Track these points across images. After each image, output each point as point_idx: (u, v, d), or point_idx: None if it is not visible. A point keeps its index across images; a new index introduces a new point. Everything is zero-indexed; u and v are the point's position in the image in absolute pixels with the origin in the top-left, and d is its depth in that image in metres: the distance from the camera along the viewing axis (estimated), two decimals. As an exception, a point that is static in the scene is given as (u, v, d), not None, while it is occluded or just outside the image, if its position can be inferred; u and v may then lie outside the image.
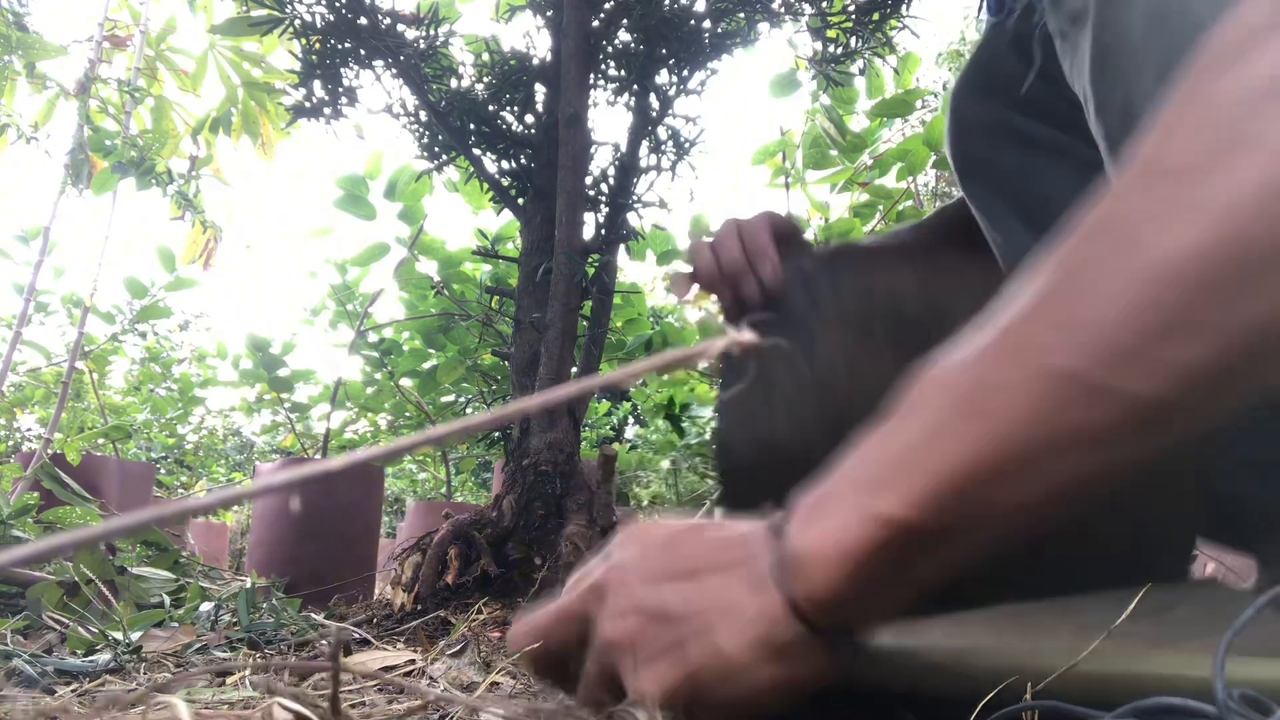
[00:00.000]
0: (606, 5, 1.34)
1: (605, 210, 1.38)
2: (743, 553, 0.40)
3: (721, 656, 0.38)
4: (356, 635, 0.97)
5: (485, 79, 1.43)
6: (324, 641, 0.96)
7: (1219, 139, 0.34)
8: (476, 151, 1.39)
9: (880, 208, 2.45)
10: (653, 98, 1.40)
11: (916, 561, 0.36)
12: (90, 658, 0.87)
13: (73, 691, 0.73)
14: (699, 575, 0.40)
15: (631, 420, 4.80)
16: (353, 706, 0.66)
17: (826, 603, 0.37)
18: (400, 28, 1.34)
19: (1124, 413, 0.34)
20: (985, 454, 0.35)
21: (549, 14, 1.39)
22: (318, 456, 2.27)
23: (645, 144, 1.41)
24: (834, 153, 2.37)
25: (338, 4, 1.29)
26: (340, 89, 1.36)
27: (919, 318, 0.54)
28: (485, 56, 1.43)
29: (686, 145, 1.41)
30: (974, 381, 0.36)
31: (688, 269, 0.70)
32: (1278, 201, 0.32)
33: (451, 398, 2.71)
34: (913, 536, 0.36)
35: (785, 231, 0.72)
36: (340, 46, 1.33)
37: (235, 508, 3.67)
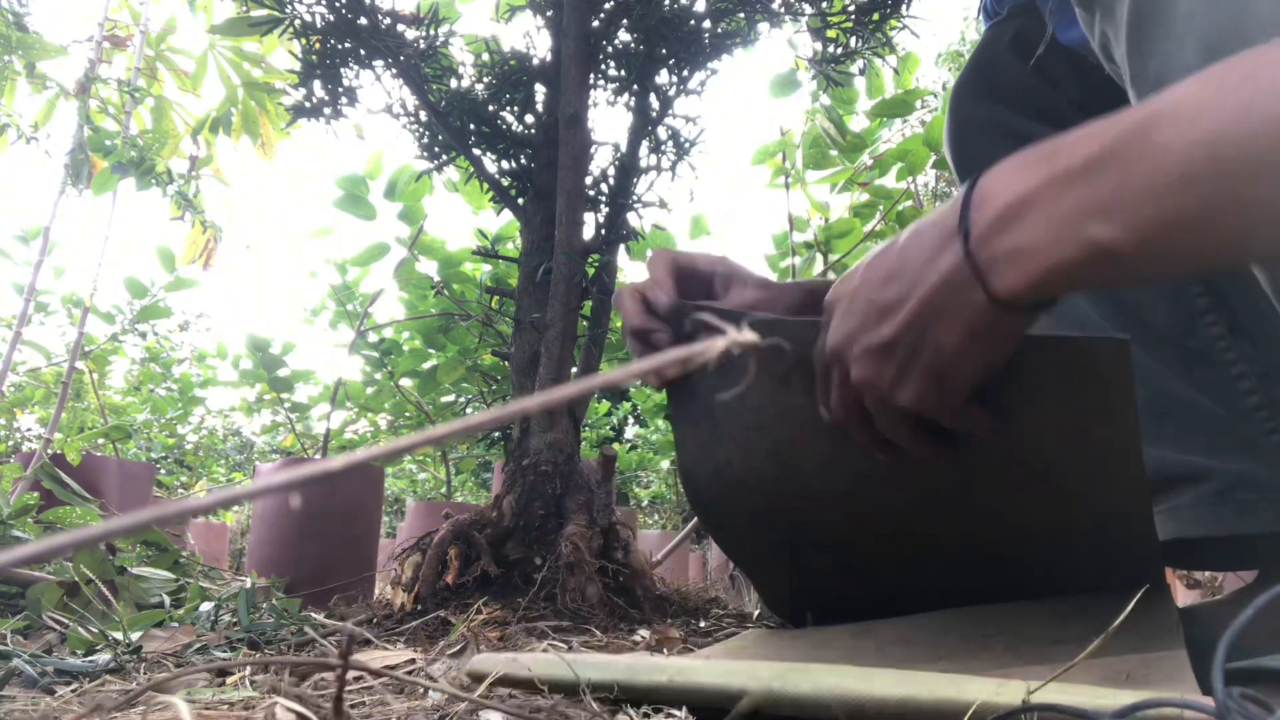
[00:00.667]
0: (606, 5, 1.34)
1: (605, 210, 1.38)
2: (941, 266, 0.48)
3: (947, 353, 0.49)
4: (358, 635, 0.97)
5: (485, 79, 1.43)
6: (324, 641, 0.96)
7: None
8: (476, 151, 1.39)
9: (880, 208, 2.45)
10: (653, 98, 1.40)
11: (1108, 278, 0.45)
12: (90, 658, 0.86)
13: (73, 691, 0.73)
14: (907, 301, 0.50)
15: (631, 420, 4.80)
16: (353, 707, 0.66)
17: (1027, 297, 0.46)
18: (400, 28, 1.34)
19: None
20: (1187, 210, 0.40)
21: (549, 14, 1.39)
22: (318, 456, 2.27)
23: (645, 144, 1.41)
24: (834, 153, 2.37)
25: (338, 4, 1.29)
26: (340, 89, 1.36)
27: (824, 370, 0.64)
28: (485, 56, 1.43)
29: (686, 145, 1.41)
30: (1172, 152, 0.41)
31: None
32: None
33: (451, 398, 2.71)
34: (1120, 263, 0.42)
35: (686, 270, 0.73)
36: (340, 46, 1.33)
37: (235, 508, 3.67)
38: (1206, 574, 1.77)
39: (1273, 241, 0.40)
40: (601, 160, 1.39)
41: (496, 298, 1.64)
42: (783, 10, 1.42)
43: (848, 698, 0.44)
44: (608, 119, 3.50)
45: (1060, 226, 0.43)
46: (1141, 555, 0.65)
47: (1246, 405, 0.76)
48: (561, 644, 0.91)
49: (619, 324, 2.63)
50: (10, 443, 3.13)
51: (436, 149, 1.43)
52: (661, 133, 1.41)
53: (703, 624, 1.11)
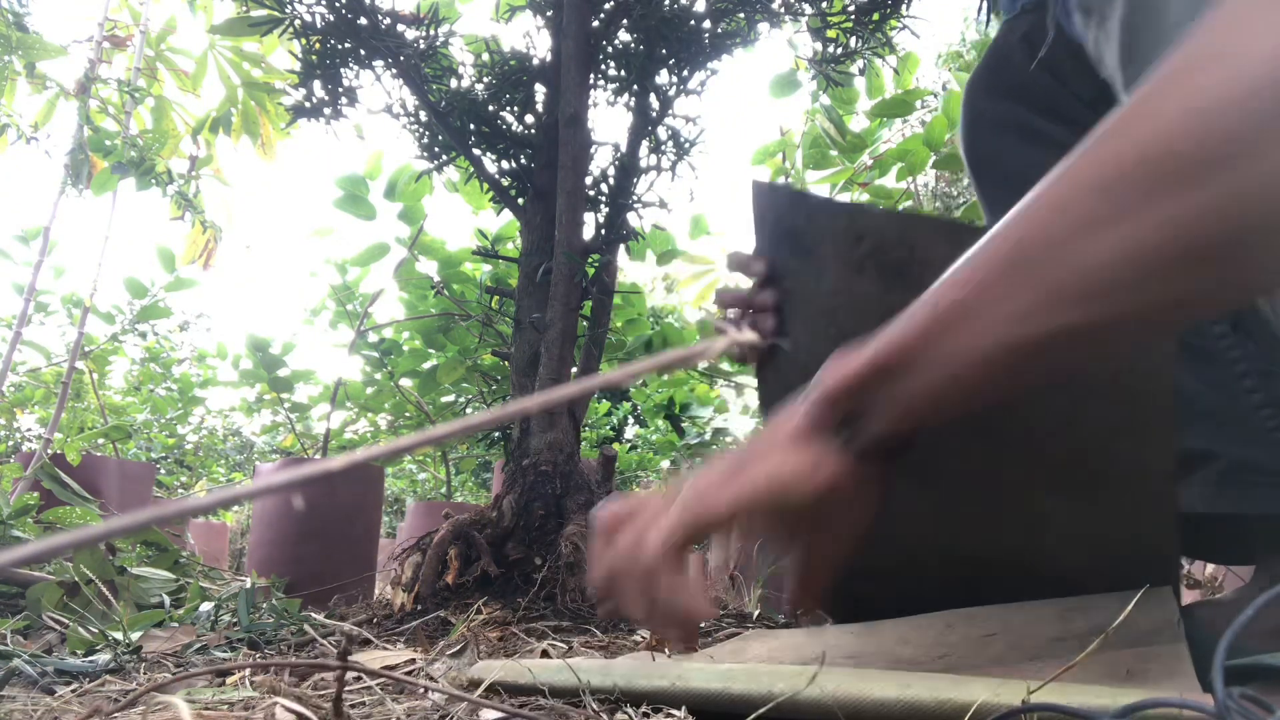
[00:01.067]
0: (606, 5, 1.34)
1: (605, 210, 1.38)
2: (783, 422, 0.54)
3: (771, 463, 0.52)
4: (357, 635, 0.97)
5: (485, 79, 1.43)
6: (324, 641, 0.96)
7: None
8: (476, 152, 1.39)
9: (880, 208, 2.45)
10: (653, 98, 1.40)
11: (885, 387, 0.50)
12: (90, 658, 0.87)
13: (73, 691, 0.73)
14: (753, 448, 0.55)
15: (631, 420, 4.80)
16: (353, 707, 0.66)
17: (830, 402, 0.52)
18: (400, 28, 1.34)
19: (1061, 288, 0.43)
20: (949, 312, 0.47)
21: (549, 14, 1.39)
22: (318, 456, 2.27)
23: (645, 144, 1.41)
24: (834, 153, 2.37)
25: (338, 4, 1.29)
26: (340, 89, 1.36)
27: (900, 262, 0.64)
28: (485, 57, 1.43)
29: (686, 145, 1.41)
30: (965, 258, 0.47)
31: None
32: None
33: (451, 398, 2.71)
34: (891, 362, 0.49)
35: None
36: (340, 46, 1.33)
37: (235, 508, 3.67)
38: (1207, 573, 1.77)
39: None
40: (601, 160, 1.39)
41: (496, 298, 1.64)
42: (783, 10, 1.42)
43: (850, 700, 0.44)
44: (608, 119, 3.50)
45: (857, 354, 0.53)
46: (1159, 550, 0.64)
47: (1250, 403, 0.77)
48: (562, 644, 0.91)
49: (619, 324, 2.62)
50: (10, 443, 3.13)
51: (436, 149, 1.43)
52: (661, 133, 1.41)
53: (703, 624, 1.11)
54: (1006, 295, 0.44)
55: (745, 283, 0.75)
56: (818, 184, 2.53)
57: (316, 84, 1.35)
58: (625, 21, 1.35)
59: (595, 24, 1.34)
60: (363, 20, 1.30)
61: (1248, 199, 0.38)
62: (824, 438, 0.52)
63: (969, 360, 0.46)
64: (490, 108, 1.40)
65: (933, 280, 0.49)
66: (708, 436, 3.35)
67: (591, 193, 1.37)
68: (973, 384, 0.47)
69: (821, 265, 0.69)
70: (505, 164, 1.41)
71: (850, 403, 0.52)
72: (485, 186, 1.39)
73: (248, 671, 0.75)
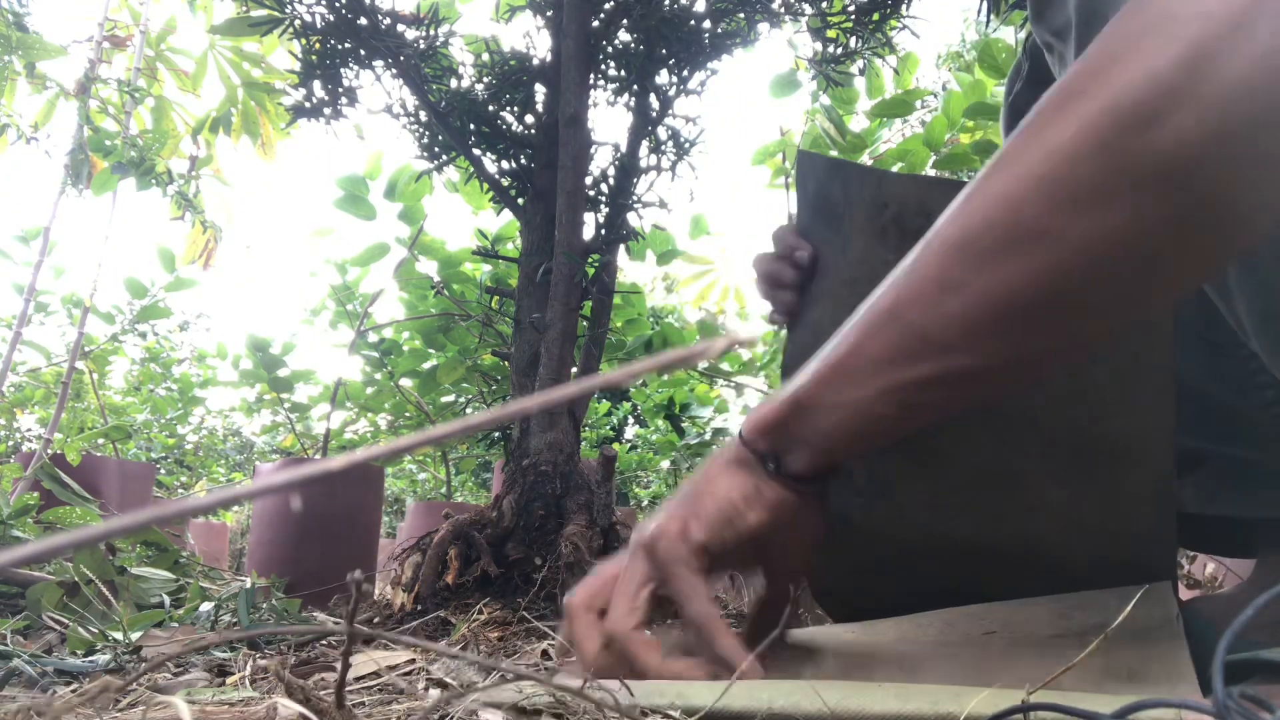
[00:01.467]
0: (606, 5, 1.34)
1: (605, 210, 1.38)
2: (720, 457, 0.58)
3: (718, 493, 0.56)
4: (358, 634, 0.97)
5: (485, 79, 1.43)
6: (325, 641, 0.96)
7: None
8: (476, 152, 1.39)
9: (880, 208, 2.45)
10: (653, 98, 1.40)
11: (801, 420, 0.54)
12: (90, 658, 0.87)
13: (73, 691, 0.73)
14: (695, 487, 0.58)
15: (631, 420, 4.80)
16: (353, 706, 0.66)
17: (757, 434, 0.56)
18: (400, 28, 1.34)
19: (916, 344, 0.48)
20: (839, 361, 0.51)
21: (549, 14, 1.39)
22: (318, 456, 2.27)
23: (645, 144, 1.41)
24: (834, 153, 2.37)
25: (338, 4, 1.29)
26: (340, 89, 1.36)
27: (919, 229, 0.63)
28: (485, 57, 1.43)
29: (686, 145, 1.41)
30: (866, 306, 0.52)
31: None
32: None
33: (451, 398, 2.71)
34: (800, 403, 0.54)
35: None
36: (340, 47, 1.33)
37: (235, 508, 3.67)
38: (1207, 573, 1.77)
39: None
40: (601, 160, 1.39)
41: (496, 298, 1.64)
42: (783, 10, 1.42)
43: (851, 714, 0.44)
44: (608, 119, 3.50)
45: (785, 389, 0.57)
46: (1159, 538, 0.64)
47: (1261, 400, 0.77)
48: (563, 644, 0.91)
49: (619, 324, 2.62)
50: (10, 443, 3.13)
51: (436, 149, 1.43)
52: (661, 133, 1.41)
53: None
54: (883, 344, 0.49)
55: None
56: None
57: (316, 84, 1.35)
58: (625, 21, 1.35)
59: (595, 24, 1.34)
60: (363, 20, 1.30)
61: (1058, 269, 0.42)
62: (754, 469, 0.56)
63: (860, 402, 0.50)
64: (490, 108, 1.40)
65: None
66: (708, 436, 3.35)
67: (591, 193, 1.37)
68: (869, 424, 0.51)
69: (849, 233, 0.69)
70: (505, 164, 1.41)
71: (771, 439, 0.56)
72: (485, 186, 1.39)
73: (247, 671, 0.75)
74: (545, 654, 0.86)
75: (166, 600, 1.23)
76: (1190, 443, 0.80)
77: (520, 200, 1.39)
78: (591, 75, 1.35)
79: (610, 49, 1.38)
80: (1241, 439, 0.78)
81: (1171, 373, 0.60)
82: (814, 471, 0.56)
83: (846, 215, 0.70)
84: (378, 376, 2.59)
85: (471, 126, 1.38)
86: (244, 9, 1.64)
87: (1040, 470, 0.64)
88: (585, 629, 0.58)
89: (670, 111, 1.41)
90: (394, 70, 1.35)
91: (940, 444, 0.64)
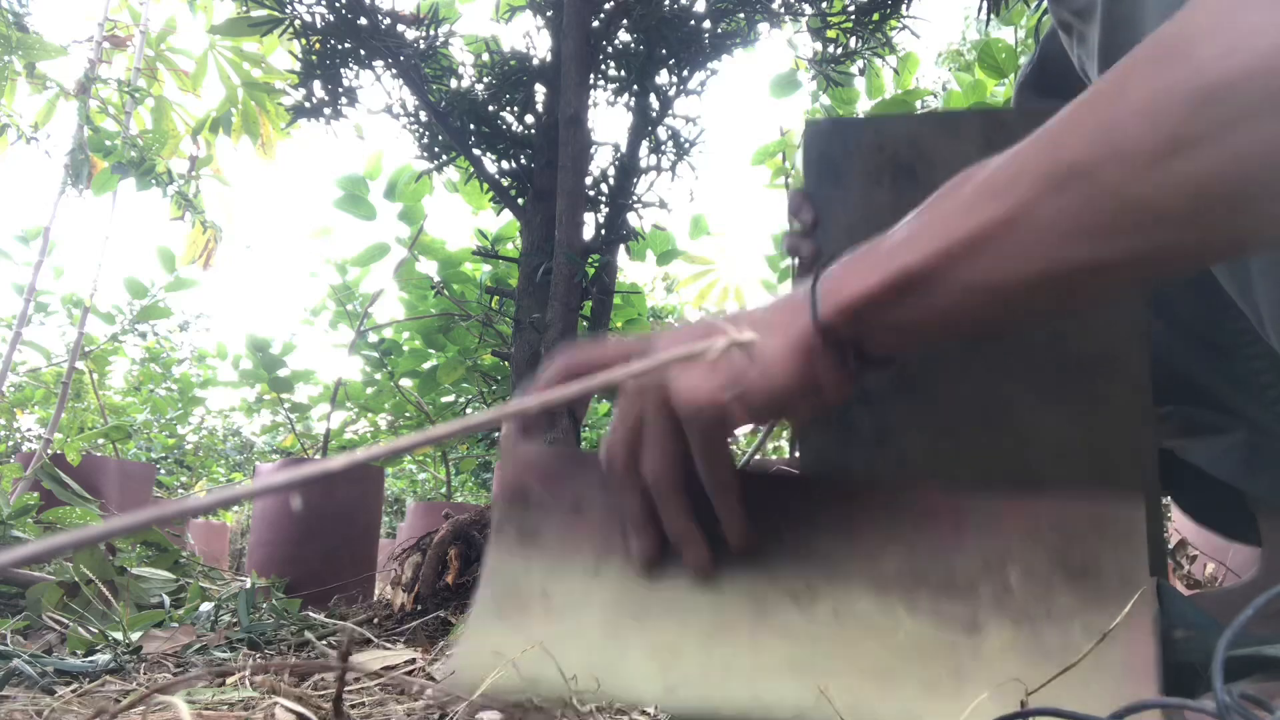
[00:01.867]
0: (606, 5, 1.34)
1: (605, 210, 1.38)
2: (788, 304, 0.50)
3: (765, 360, 0.48)
4: (358, 635, 0.97)
5: (485, 79, 1.43)
6: (324, 641, 0.96)
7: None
8: (476, 152, 1.39)
9: (880, 208, 2.45)
10: (653, 98, 1.40)
11: (917, 311, 0.45)
12: (90, 658, 0.87)
13: (73, 691, 0.73)
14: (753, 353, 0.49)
15: (631, 420, 4.79)
16: (352, 707, 0.66)
17: (843, 319, 0.47)
18: (400, 28, 1.34)
19: (1116, 213, 0.40)
20: (986, 228, 0.42)
21: (549, 14, 1.39)
22: (318, 456, 2.27)
23: (645, 144, 1.41)
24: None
25: (338, 4, 1.29)
26: (340, 89, 1.36)
27: (909, 163, 0.67)
28: (485, 57, 1.43)
29: (686, 145, 1.41)
30: (997, 170, 0.43)
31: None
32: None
33: (451, 398, 2.71)
34: (921, 287, 0.44)
35: None
36: (340, 47, 1.33)
37: (235, 508, 3.68)
38: (1206, 573, 1.77)
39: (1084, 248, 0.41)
40: (601, 160, 1.39)
41: (496, 298, 1.64)
42: (783, 10, 1.42)
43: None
44: (608, 119, 3.50)
45: (874, 259, 0.47)
46: (1139, 458, 0.64)
47: (1266, 398, 0.78)
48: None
49: (619, 324, 2.62)
50: (10, 443, 3.13)
51: (436, 149, 1.43)
52: (661, 133, 1.41)
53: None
54: (1069, 210, 0.40)
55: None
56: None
57: (316, 84, 1.35)
58: (625, 22, 1.35)
59: (595, 24, 1.34)
60: (363, 20, 1.30)
61: None
62: (821, 359, 0.48)
63: (1014, 281, 0.42)
64: (490, 108, 1.40)
65: (942, 179, 0.46)
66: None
67: (591, 193, 1.37)
68: (1012, 308, 0.44)
69: (850, 186, 0.71)
70: (505, 164, 1.41)
71: (857, 322, 0.47)
72: (485, 186, 1.39)
73: (247, 671, 0.75)
74: (545, 654, 0.86)
75: (166, 600, 1.23)
76: (1209, 417, 0.80)
77: (520, 200, 1.39)
78: (591, 75, 1.35)
79: (610, 49, 1.38)
80: (1247, 430, 0.79)
81: (1145, 317, 0.62)
82: (886, 356, 0.50)
83: (846, 169, 0.71)
84: (378, 376, 2.59)
85: (471, 126, 1.38)
86: (244, 9, 1.64)
87: (1028, 395, 0.64)
88: (625, 475, 0.54)
89: (670, 111, 1.41)
90: (394, 70, 1.35)
91: (936, 381, 0.64)
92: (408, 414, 2.69)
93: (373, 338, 2.48)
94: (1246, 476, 0.78)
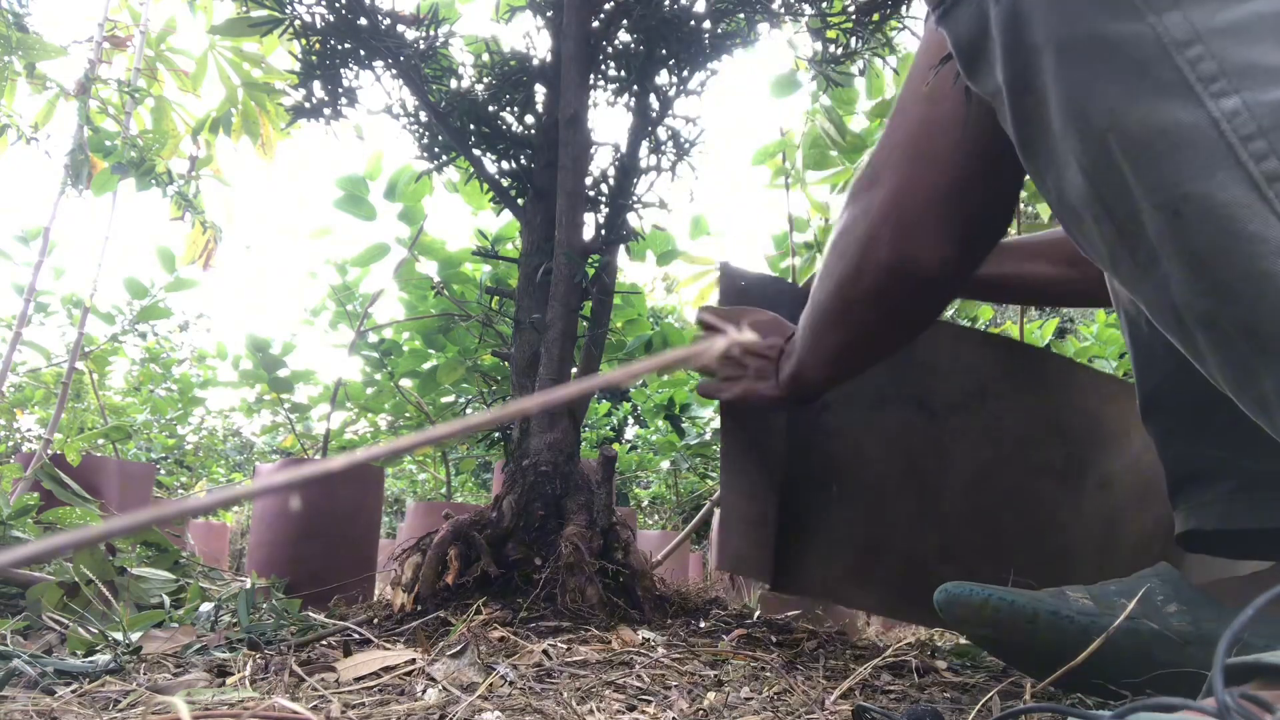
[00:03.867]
0: (606, 6, 1.34)
1: (605, 211, 1.38)
2: (774, 355, 1.08)
3: (765, 385, 1.08)
4: (357, 635, 0.97)
5: (485, 80, 1.43)
6: (324, 642, 0.96)
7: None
8: (476, 152, 1.39)
9: (880, 208, 2.45)
10: (653, 98, 1.40)
11: (808, 376, 1.01)
12: (90, 658, 0.86)
13: (73, 692, 0.73)
14: (759, 355, 1.09)
15: (631, 420, 4.80)
16: (353, 707, 0.66)
17: (790, 383, 1.04)
18: (400, 28, 1.34)
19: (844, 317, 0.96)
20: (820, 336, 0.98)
21: (549, 15, 1.39)
22: (318, 457, 2.27)
23: (645, 144, 1.41)
24: (834, 153, 2.37)
25: (338, 4, 1.29)
26: (340, 90, 1.36)
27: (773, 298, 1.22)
28: (485, 57, 1.43)
29: (686, 146, 1.41)
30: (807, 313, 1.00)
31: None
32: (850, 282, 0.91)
33: (451, 398, 2.71)
34: (805, 368, 1.01)
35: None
36: (340, 47, 1.33)
37: (235, 508, 3.67)
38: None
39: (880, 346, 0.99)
40: (601, 160, 1.39)
41: (496, 298, 1.64)
42: (783, 10, 1.42)
43: None
44: (608, 119, 3.49)
45: (791, 359, 1.04)
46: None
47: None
48: (562, 645, 0.91)
49: (619, 324, 2.61)
50: (10, 443, 3.13)
51: (436, 149, 1.43)
52: (661, 133, 1.41)
53: (703, 624, 1.11)
54: (809, 335, 0.99)
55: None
56: (818, 184, 2.53)
57: (316, 84, 1.35)
58: (625, 22, 1.35)
59: (595, 24, 1.34)
60: (363, 21, 1.30)
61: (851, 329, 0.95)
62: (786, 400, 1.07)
63: (812, 361, 1.00)
64: (490, 108, 1.40)
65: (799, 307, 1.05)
66: (707, 436, 3.35)
67: (591, 193, 1.37)
68: (821, 370, 1.01)
69: (753, 303, 1.17)
70: (505, 164, 1.41)
71: (794, 383, 1.04)
72: (485, 187, 1.39)
73: (248, 671, 0.75)
74: (546, 654, 0.86)
75: (166, 600, 1.23)
76: (1217, 454, 0.82)
77: (520, 200, 1.39)
78: (591, 76, 1.35)
79: (610, 49, 1.37)
80: (1252, 450, 0.79)
81: None
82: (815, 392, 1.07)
83: (749, 298, 1.21)
84: (378, 377, 2.59)
85: (471, 127, 1.38)
86: (244, 9, 1.64)
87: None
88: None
89: (670, 112, 1.41)
90: (394, 71, 1.35)
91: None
92: (408, 414, 2.69)
93: (373, 338, 2.48)
94: (1263, 514, 0.79)
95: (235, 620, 1.13)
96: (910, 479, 1.17)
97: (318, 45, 1.33)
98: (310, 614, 1.20)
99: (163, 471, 4.13)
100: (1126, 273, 0.53)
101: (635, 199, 1.38)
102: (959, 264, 0.84)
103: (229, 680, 0.75)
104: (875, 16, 1.41)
